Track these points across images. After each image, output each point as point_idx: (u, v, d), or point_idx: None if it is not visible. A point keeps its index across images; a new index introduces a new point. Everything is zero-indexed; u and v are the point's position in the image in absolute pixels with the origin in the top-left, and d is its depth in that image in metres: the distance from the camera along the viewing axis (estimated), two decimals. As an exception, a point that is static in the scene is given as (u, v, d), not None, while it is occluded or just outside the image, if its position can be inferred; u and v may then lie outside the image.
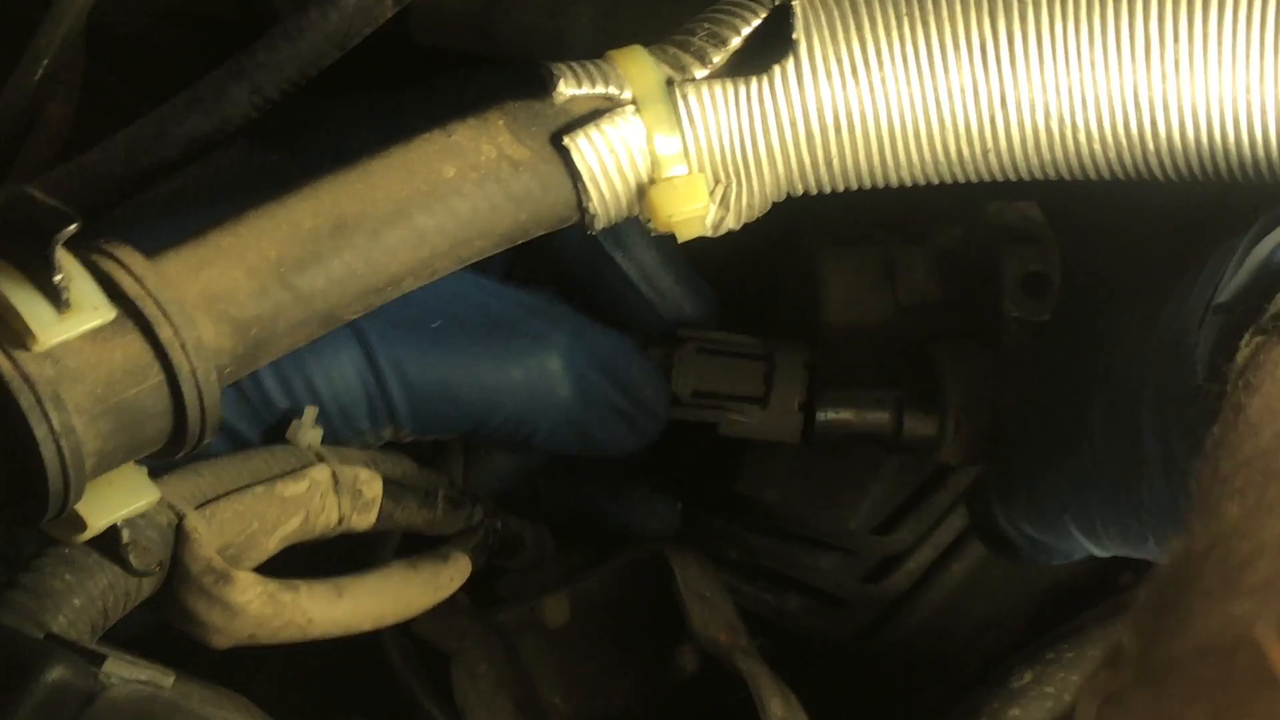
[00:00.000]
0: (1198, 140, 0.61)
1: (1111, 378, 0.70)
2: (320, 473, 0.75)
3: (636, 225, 0.67)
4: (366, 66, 0.92)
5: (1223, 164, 0.62)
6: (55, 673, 0.56)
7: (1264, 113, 0.60)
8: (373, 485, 0.78)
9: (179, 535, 0.67)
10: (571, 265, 0.92)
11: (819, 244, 0.96)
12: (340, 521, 0.77)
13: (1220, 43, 0.60)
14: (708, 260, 0.94)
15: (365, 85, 0.91)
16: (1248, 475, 0.49)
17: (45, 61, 0.76)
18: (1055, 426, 0.77)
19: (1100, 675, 0.45)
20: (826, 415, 0.93)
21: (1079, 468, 0.73)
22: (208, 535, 0.68)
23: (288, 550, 0.74)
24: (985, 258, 0.91)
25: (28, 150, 0.77)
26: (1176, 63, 0.60)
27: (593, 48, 0.67)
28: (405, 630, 0.93)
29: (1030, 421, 0.81)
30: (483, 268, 0.93)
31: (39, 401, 0.55)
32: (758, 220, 0.67)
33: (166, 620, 0.69)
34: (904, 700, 1.01)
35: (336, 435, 0.80)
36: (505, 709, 0.94)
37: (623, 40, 0.66)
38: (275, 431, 0.78)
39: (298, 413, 0.78)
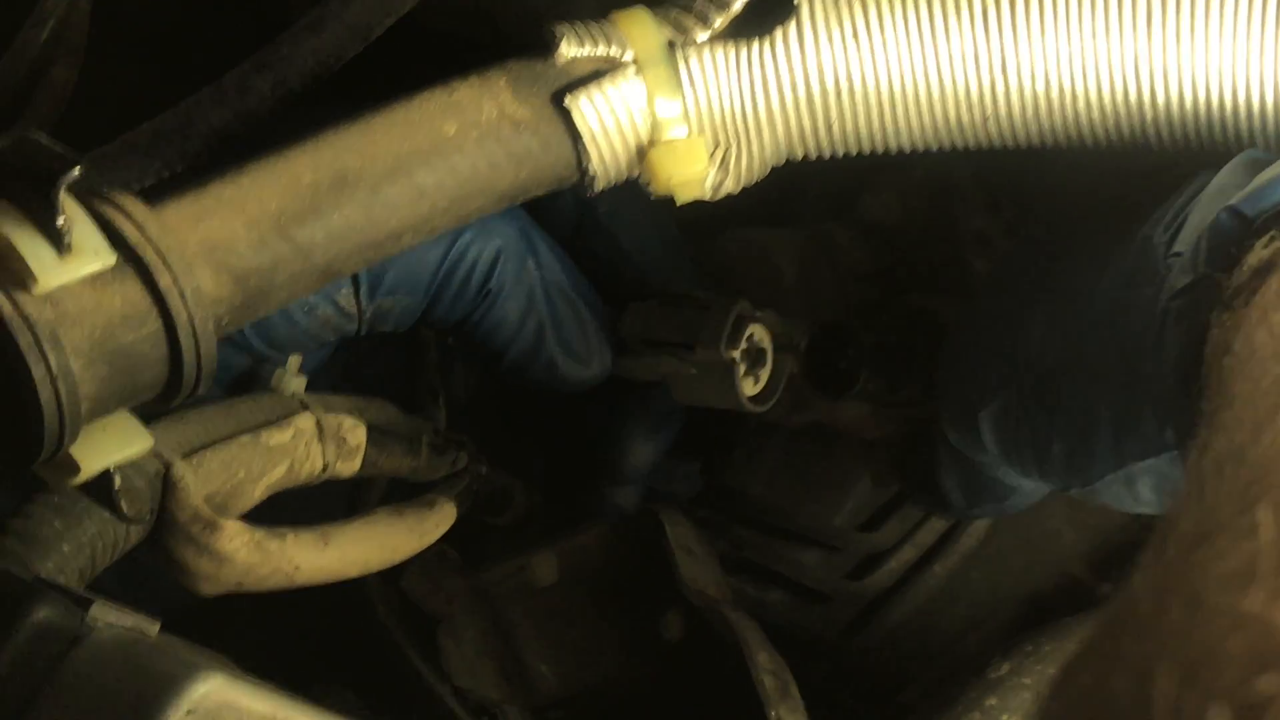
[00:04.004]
0: (1196, 110, 0.62)
1: (1058, 290, 0.71)
2: (305, 421, 0.76)
3: (628, 193, 0.67)
4: (374, 49, 0.93)
5: (1219, 134, 0.62)
6: (42, 613, 0.56)
7: (1263, 84, 0.61)
8: (356, 432, 0.78)
9: (167, 484, 0.67)
10: (557, 227, 0.92)
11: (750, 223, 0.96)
12: (325, 469, 0.77)
13: (1222, 14, 0.60)
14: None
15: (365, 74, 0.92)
16: None
17: (51, 24, 0.76)
18: (991, 329, 0.77)
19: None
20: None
21: (1011, 368, 0.74)
22: (195, 484, 0.68)
23: (273, 494, 0.75)
24: (933, 215, 0.92)
25: (32, 110, 0.77)
26: (1178, 32, 0.61)
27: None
28: (393, 587, 0.93)
29: (972, 330, 0.81)
30: None
31: (37, 342, 0.55)
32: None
33: (157, 566, 0.69)
34: (884, 697, 1.01)
35: (309, 314, 0.80)
36: (490, 674, 0.94)
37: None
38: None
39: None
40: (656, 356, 0.92)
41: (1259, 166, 0.60)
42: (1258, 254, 0.56)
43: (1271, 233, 0.56)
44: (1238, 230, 0.58)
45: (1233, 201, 0.58)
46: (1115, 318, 0.65)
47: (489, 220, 0.83)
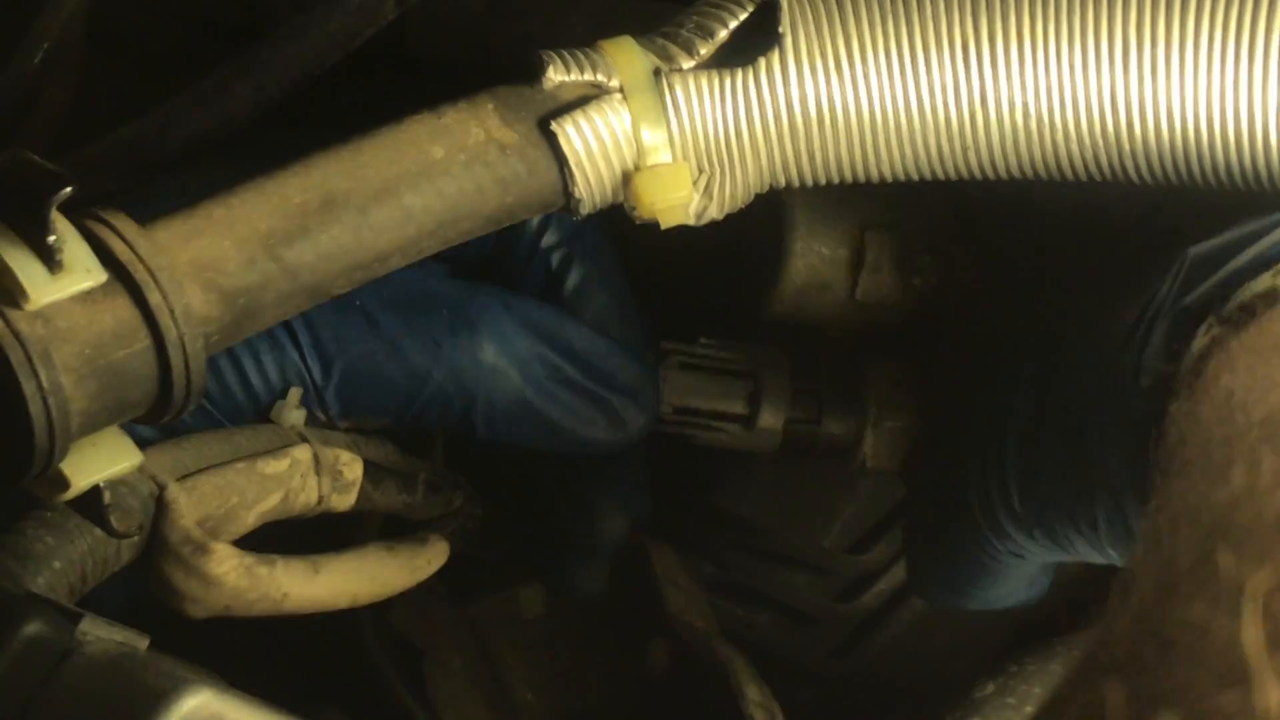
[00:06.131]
0: (1172, 143, 0.63)
1: (1042, 364, 0.72)
2: (302, 452, 0.76)
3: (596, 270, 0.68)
4: (365, 75, 0.94)
5: (1196, 168, 0.63)
6: (32, 627, 0.57)
7: (1238, 118, 0.62)
8: (354, 467, 0.78)
9: (159, 505, 0.68)
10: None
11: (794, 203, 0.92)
12: (320, 501, 0.78)
13: (1197, 47, 0.61)
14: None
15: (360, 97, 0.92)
16: (1251, 443, 0.50)
17: (46, 45, 0.77)
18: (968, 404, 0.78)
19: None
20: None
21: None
22: (187, 507, 0.69)
23: (269, 527, 0.75)
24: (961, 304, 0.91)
25: (26, 132, 0.78)
26: (1154, 66, 0.62)
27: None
28: (383, 618, 0.93)
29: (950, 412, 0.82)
30: None
31: (29, 358, 0.56)
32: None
33: (146, 589, 0.70)
34: (873, 720, 1.02)
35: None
36: (477, 704, 0.95)
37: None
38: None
39: (229, 398, 0.78)
40: (697, 425, 0.92)
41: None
42: (1199, 342, 0.58)
43: (1209, 320, 0.59)
44: (1182, 324, 0.61)
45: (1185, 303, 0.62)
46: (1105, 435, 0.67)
47: (470, 371, 0.81)
